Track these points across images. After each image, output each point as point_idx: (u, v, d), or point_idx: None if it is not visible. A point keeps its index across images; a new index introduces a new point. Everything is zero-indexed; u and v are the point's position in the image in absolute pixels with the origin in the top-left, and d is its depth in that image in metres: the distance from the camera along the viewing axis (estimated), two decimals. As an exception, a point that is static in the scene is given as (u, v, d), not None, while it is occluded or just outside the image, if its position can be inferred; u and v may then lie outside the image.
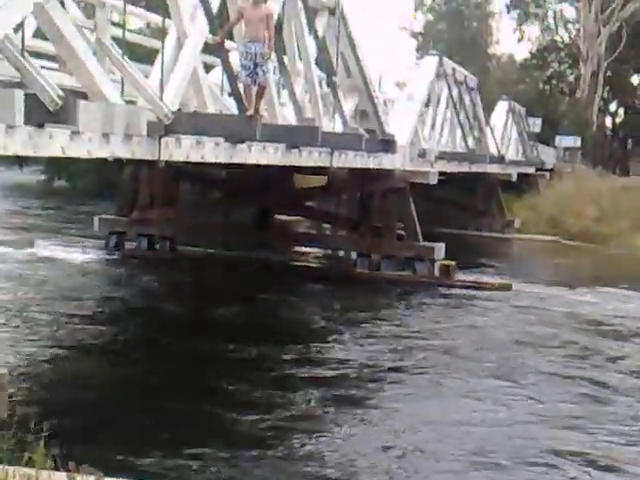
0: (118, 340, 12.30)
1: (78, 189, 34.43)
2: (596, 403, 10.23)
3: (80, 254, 19.67)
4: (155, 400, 9.24)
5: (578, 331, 14.44)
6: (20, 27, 7.76)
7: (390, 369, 11.19)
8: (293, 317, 14.38)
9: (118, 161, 9.93)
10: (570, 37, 55.83)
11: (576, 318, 15.52)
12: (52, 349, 11.34)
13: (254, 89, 10.69)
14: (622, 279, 20.98)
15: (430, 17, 58.40)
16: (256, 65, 10.42)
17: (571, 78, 55.61)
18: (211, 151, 11.10)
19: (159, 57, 10.01)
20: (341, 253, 20.74)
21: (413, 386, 10.52)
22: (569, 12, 54.67)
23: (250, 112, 10.74)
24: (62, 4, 9.57)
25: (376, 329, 13.65)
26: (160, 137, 9.72)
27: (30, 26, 9.51)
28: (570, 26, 55.79)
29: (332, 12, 15.65)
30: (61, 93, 7.69)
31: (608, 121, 56.62)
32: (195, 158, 10.88)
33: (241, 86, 10.99)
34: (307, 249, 20.98)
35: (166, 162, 10.40)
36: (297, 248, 21.21)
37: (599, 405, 10.14)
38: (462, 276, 18.45)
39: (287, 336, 12.83)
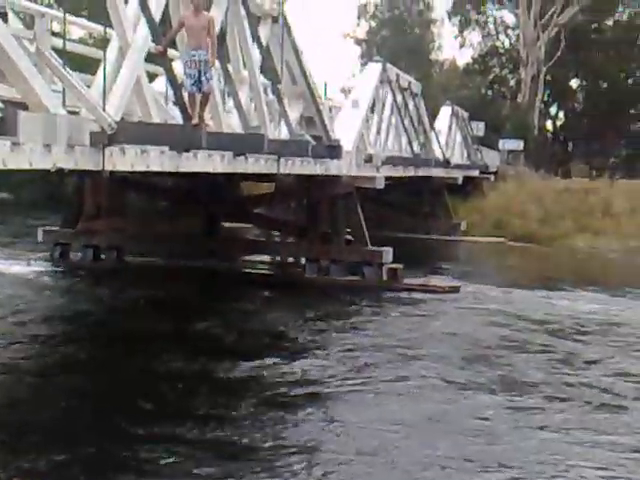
0: (57, 356, 12.04)
1: (21, 201, 33.90)
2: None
3: (23, 266, 19.32)
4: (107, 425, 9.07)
5: (529, 331, 14.63)
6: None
7: (335, 377, 11.15)
8: (242, 326, 14.30)
9: (62, 172, 9.80)
10: (510, 43, 56.92)
11: (526, 318, 15.71)
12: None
13: (198, 97, 10.73)
14: (567, 278, 21.44)
15: (373, 24, 58.91)
16: (200, 73, 10.46)
17: (512, 82, 56.62)
18: (156, 160, 11.06)
19: (101, 67, 9.96)
20: (290, 259, 20.76)
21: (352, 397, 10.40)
22: (509, 18, 55.79)
23: (195, 120, 10.76)
24: (4, 16, 9.53)
25: (323, 336, 13.63)
26: (104, 147, 9.66)
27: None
28: (510, 32, 56.90)
29: (275, 20, 15.72)
30: (1, 105, 7.62)
31: (549, 124, 57.74)
32: (140, 167, 10.83)
33: (186, 95, 11.00)
34: (256, 256, 20.94)
35: (111, 172, 10.34)
36: (246, 256, 21.17)
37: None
38: (410, 280, 18.59)
39: (236, 346, 12.75)
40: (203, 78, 10.57)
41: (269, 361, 11.71)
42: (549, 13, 49.83)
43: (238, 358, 11.73)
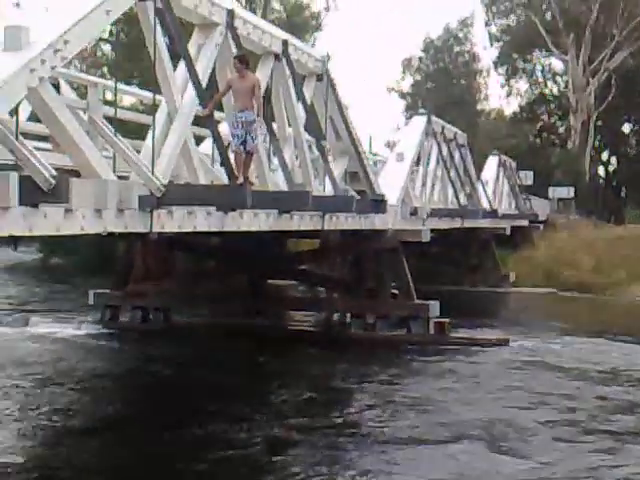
0: (110, 418, 12.21)
1: (74, 265, 34.56)
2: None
3: (75, 329, 19.65)
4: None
5: (583, 385, 14.40)
6: (14, 111, 8.04)
7: (385, 435, 11.11)
8: (289, 385, 14.35)
9: (112, 235, 10.10)
10: (559, 89, 56.80)
11: (578, 370, 15.51)
12: (47, 429, 11.32)
13: (244, 157, 11.02)
14: (621, 329, 20.98)
15: (418, 77, 59.39)
16: (246, 133, 10.77)
17: (562, 129, 56.40)
18: (203, 220, 11.29)
19: (150, 132, 10.30)
20: (336, 316, 20.76)
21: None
22: (557, 65, 55.77)
23: (240, 180, 11.02)
24: (55, 86, 9.95)
25: (373, 395, 13.58)
26: (152, 210, 9.93)
27: (24, 109, 9.77)
28: (558, 78, 56.82)
29: (319, 78, 16.03)
30: (54, 172, 7.92)
31: (601, 170, 57.20)
32: (187, 228, 11.07)
33: (232, 155, 11.30)
34: (302, 313, 21.00)
35: (159, 233, 10.61)
36: (292, 313, 21.23)
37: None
38: (458, 333, 18.47)
39: (283, 405, 12.82)
40: (248, 138, 10.86)
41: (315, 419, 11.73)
42: (599, 58, 49.66)
43: (285, 416, 11.78)
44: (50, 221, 8.23)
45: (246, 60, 11.07)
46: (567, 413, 12.41)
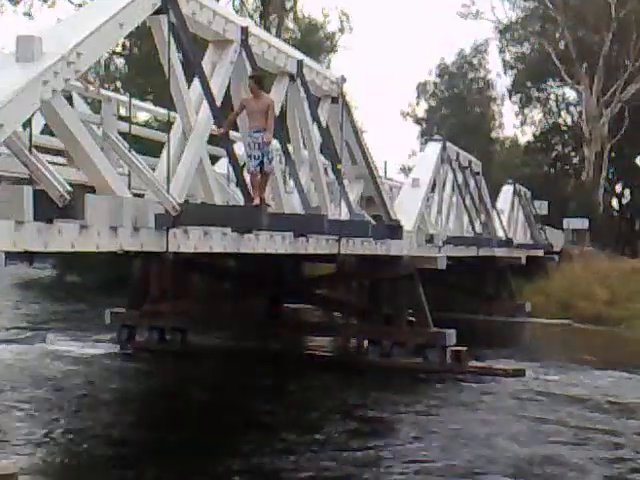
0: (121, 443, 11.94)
1: (89, 283, 34.44)
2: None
3: (91, 348, 19.59)
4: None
5: (599, 418, 14.08)
6: (28, 124, 7.85)
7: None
8: (302, 413, 14.04)
9: (128, 254, 9.90)
10: (573, 120, 56.64)
11: (595, 402, 15.21)
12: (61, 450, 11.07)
13: (259, 177, 10.82)
14: (637, 362, 20.63)
15: (432, 103, 59.38)
16: (263, 154, 10.58)
17: (576, 160, 56.16)
18: (219, 241, 11.09)
19: (165, 149, 10.11)
20: (352, 341, 20.51)
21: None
22: (571, 95, 55.63)
23: (256, 201, 10.80)
24: (69, 100, 9.78)
25: (387, 425, 13.30)
26: (168, 229, 9.72)
27: (38, 122, 9.60)
28: (572, 109, 56.68)
29: (335, 100, 15.89)
30: (69, 188, 7.73)
31: (615, 202, 56.87)
32: (203, 249, 10.86)
33: (248, 176, 11.10)
34: (318, 338, 20.76)
35: (175, 253, 10.39)
36: (308, 337, 21.01)
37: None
38: (475, 362, 18.15)
39: (295, 432, 12.50)
40: (265, 159, 10.68)
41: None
42: (612, 89, 49.57)
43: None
44: (65, 237, 8.06)
45: (260, 80, 10.92)
46: (588, 445, 12.17)
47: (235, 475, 10.16)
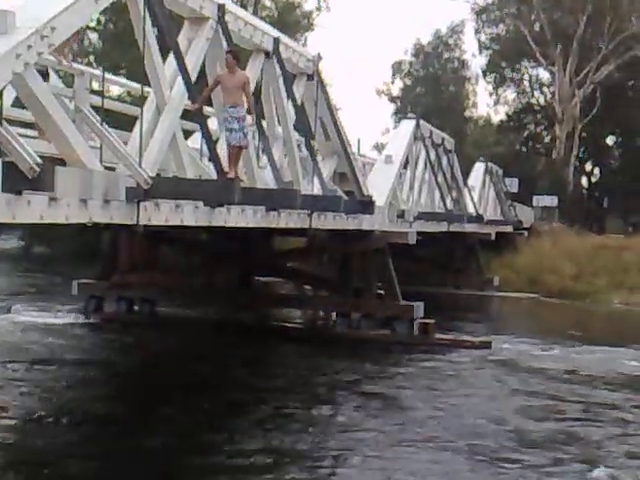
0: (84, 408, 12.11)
1: (58, 254, 34.34)
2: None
3: (58, 318, 19.60)
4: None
5: (561, 387, 14.54)
6: (-1, 96, 7.93)
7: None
8: (269, 377, 14.34)
9: (98, 226, 10.03)
10: (545, 100, 57.04)
11: (557, 374, 15.62)
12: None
13: (235, 151, 11.00)
14: (599, 334, 21.16)
15: (407, 82, 59.49)
16: (241, 127, 10.76)
17: (547, 139, 56.67)
18: (190, 215, 11.24)
19: (138, 123, 10.21)
20: (322, 314, 20.79)
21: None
22: (544, 76, 56.00)
23: (232, 174, 10.98)
24: (44, 74, 9.85)
25: (352, 393, 13.58)
26: (139, 202, 9.85)
27: (9, 95, 9.65)
28: (545, 89, 57.07)
29: (310, 77, 16.00)
30: (39, 160, 7.81)
31: (584, 181, 57.49)
32: (174, 222, 11.00)
33: (224, 149, 11.26)
34: (288, 310, 21.01)
35: (145, 226, 10.53)
36: (278, 309, 21.25)
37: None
38: (442, 335, 18.51)
39: (265, 404, 12.73)
40: (241, 133, 10.86)
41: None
42: (585, 71, 50.00)
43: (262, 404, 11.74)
44: (34, 209, 8.14)
45: (237, 56, 11.05)
46: (543, 411, 12.67)
47: (201, 448, 10.31)
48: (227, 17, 12.01)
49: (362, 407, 12.55)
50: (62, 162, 8.93)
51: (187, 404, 12.17)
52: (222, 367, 15.00)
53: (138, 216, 9.94)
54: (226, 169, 11.08)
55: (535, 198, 45.41)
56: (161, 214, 10.54)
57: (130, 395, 13.18)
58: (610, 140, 56.76)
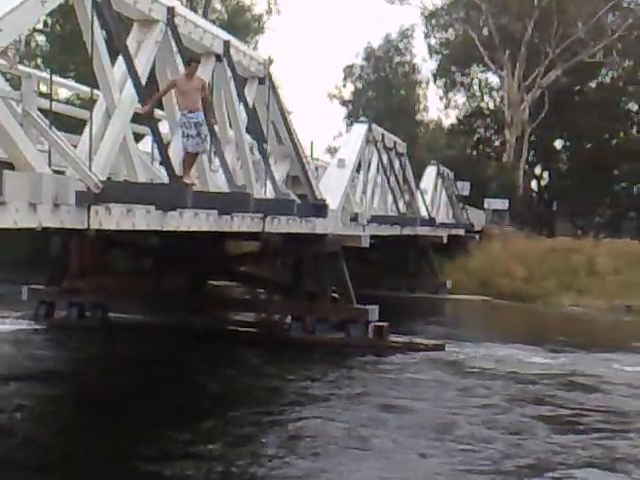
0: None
1: (7, 260, 33.67)
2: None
3: (7, 325, 19.25)
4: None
5: (510, 387, 14.76)
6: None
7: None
8: (220, 388, 14.21)
9: (48, 231, 9.88)
10: (495, 104, 57.76)
11: (508, 374, 15.85)
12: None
13: (190, 157, 10.96)
14: (548, 336, 21.45)
15: (359, 85, 59.74)
16: (198, 134, 10.71)
17: (497, 143, 57.35)
18: (142, 219, 11.11)
19: (88, 127, 10.08)
20: (276, 317, 20.71)
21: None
22: (494, 80, 56.67)
23: (187, 180, 10.93)
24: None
25: (299, 393, 13.62)
26: (89, 206, 9.72)
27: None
28: (495, 93, 57.78)
29: (262, 81, 15.99)
30: (-14, 164, 7.69)
31: (534, 184, 58.28)
32: (126, 226, 10.87)
33: (176, 153, 11.18)
34: (242, 314, 20.91)
35: (97, 231, 10.40)
36: (232, 314, 21.13)
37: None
38: (396, 337, 18.59)
39: (218, 409, 12.69)
40: (198, 139, 10.82)
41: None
42: (533, 75, 50.74)
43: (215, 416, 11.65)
44: (-19, 214, 8.00)
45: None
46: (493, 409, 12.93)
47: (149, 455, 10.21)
48: (177, 20, 11.94)
49: (311, 411, 12.53)
50: (10, 166, 8.79)
51: (123, 412, 11.97)
52: (169, 372, 14.84)
53: (89, 220, 9.81)
54: (178, 173, 11.00)
55: (486, 201, 45.91)
56: (112, 218, 10.41)
57: (63, 402, 12.92)
58: (558, 144, 57.64)
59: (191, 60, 11.12)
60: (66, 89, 15.76)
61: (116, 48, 10.59)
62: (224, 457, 10.06)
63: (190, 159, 11.08)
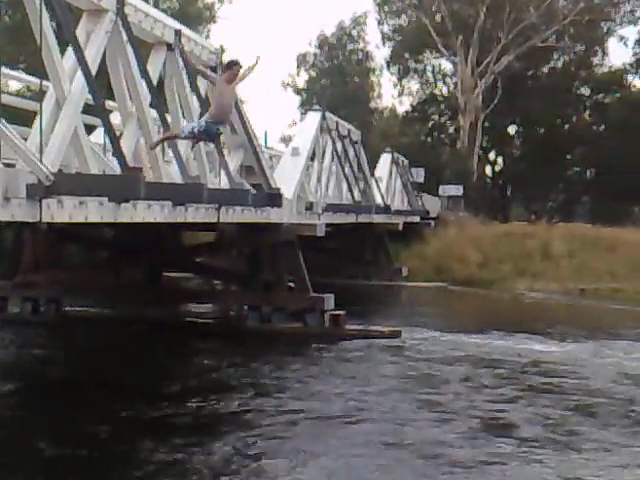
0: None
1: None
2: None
3: None
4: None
5: (467, 371, 14.97)
6: None
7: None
8: (167, 379, 14.17)
9: (-1, 224, 9.79)
10: (449, 90, 58.09)
11: (465, 359, 16.06)
12: None
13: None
14: (502, 320, 21.80)
15: (312, 74, 59.69)
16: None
17: (451, 129, 57.76)
18: (95, 211, 11.00)
19: (38, 119, 9.96)
20: (232, 308, 20.70)
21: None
22: (447, 66, 57.02)
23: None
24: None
25: (265, 387, 13.61)
26: (41, 199, 9.62)
27: None
28: (448, 80, 58.10)
29: (214, 70, 15.88)
30: None
31: (488, 170, 58.88)
32: (78, 219, 10.76)
33: (128, 144, 11.13)
34: (198, 306, 20.84)
35: (49, 224, 10.29)
36: (188, 305, 21.06)
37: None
38: (352, 325, 18.70)
39: (174, 401, 12.60)
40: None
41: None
42: (485, 61, 51.15)
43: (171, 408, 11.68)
44: None
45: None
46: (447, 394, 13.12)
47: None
48: (127, 9, 11.84)
49: (264, 402, 12.52)
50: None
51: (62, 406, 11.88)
52: (117, 366, 14.76)
53: (41, 213, 9.69)
54: (131, 164, 10.95)
55: (441, 188, 46.27)
56: (64, 211, 10.30)
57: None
58: (512, 129, 58.31)
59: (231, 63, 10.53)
60: (16, 81, 15.50)
61: (66, 39, 10.48)
62: (162, 448, 10.02)
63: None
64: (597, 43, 54.68)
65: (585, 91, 56.92)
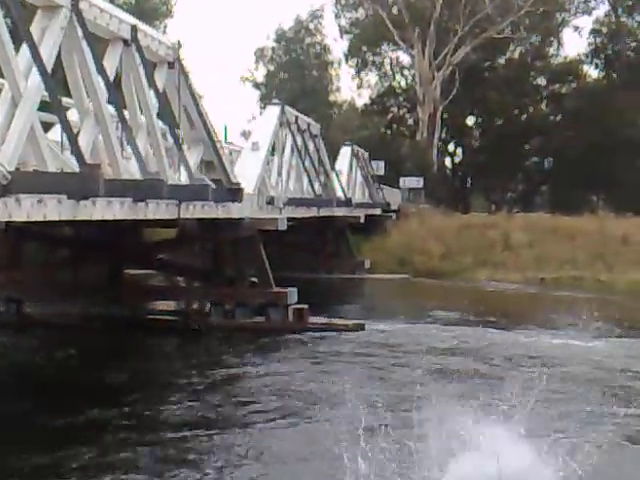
0: None
1: None
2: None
3: None
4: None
5: (430, 361, 15.00)
6: None
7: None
8: (123, 377, 14.07)
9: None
10: (407, 82, 58.37)
11: (427, 350, 16.20)
12: None
13: None
14: (464, 310, 21.99)
15: (271, 67, 59.59)
16: None
17: (410, 121, 58.02)
18: (54, 209, 10.91)
19: (-7, 117, 9.85)
20: (195, 304, 20.60)
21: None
22: (405, 59, 57.28)
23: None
24: None
25: (229, 382, 13.63)
26: (-3, 198, 9.51)
27: None
28: (406, 72, 58.39)
29: (171, 65, 15.83)
30: None
31: (448, 161, 59.30)
32: (37, 217, 10.67)
33: (86, 141, 10.97)
34: (161, 303, 20.72)
35: (7, 223, 10.19)
36: (150, 302, 20.92)
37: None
38: (316, 319, 18.75)
39: (129, 397, 12.55)
40: None
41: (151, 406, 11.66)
42: (443, 53, 51.45)
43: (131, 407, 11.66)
44: None
45: None
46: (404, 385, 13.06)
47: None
48: (81, 5, 11.74)
49: (224, 397, 12.53)
50: None
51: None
52: (76, 364, 14.65)
53: (-2, 213, 9.61)
54: (89, 161, 10.85)
55: (402, 180, 46.49)
56: (22, 210, 10.20)
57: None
58: (470, 120, 58.75)
59: None
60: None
61: (20, 35, 10.36)
62: (113, 445, 9.98)
63: None
64: (552, 34, 55.30)
65: (541, 81, 57.55)
